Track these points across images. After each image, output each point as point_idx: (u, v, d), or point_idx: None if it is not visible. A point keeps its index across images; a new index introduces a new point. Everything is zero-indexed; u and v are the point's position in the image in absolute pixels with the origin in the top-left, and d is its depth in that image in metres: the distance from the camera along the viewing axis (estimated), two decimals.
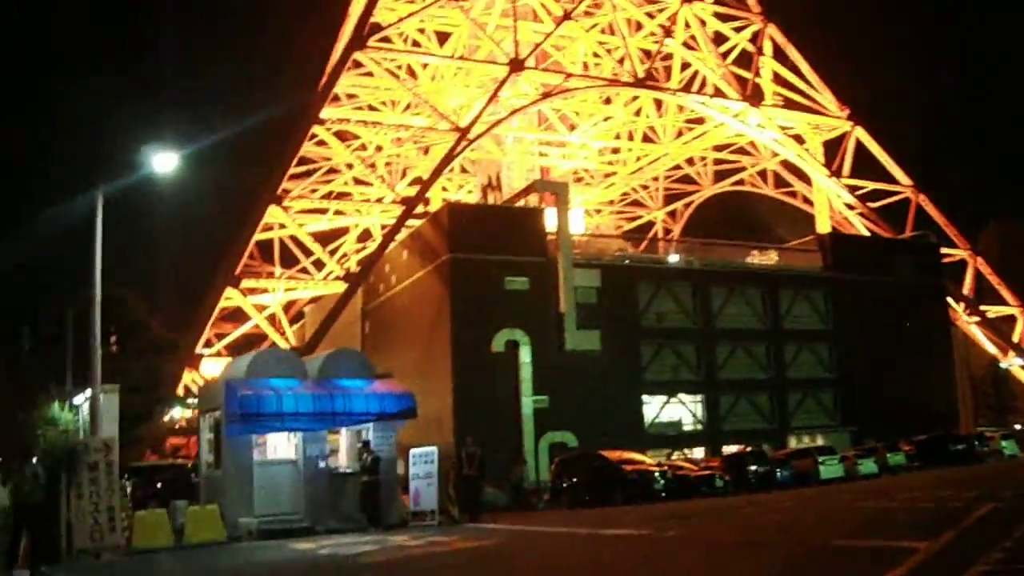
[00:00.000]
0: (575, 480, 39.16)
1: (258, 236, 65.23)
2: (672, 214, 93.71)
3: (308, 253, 66.13)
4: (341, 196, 74.56)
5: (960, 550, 12.66)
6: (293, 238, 65.92)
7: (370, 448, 26.53)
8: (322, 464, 26.30)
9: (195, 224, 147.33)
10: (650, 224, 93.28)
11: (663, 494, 36.26)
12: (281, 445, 26.50)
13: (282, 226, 64.93)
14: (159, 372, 48.59)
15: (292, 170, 73.56)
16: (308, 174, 76.90)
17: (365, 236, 76.83)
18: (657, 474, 36.87)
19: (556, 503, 40.15)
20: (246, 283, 59.81)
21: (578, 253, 60.89)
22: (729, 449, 61.93)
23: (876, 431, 60.83)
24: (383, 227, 66.37)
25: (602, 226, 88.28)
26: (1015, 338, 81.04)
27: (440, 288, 57.35)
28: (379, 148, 75.39)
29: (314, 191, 73.15)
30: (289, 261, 68.04)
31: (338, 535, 24.27)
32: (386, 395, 27.15)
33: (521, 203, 62.51)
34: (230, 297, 58.27)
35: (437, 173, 64.48)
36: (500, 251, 56.57)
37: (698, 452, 61.69)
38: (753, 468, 45.18)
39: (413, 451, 29.56)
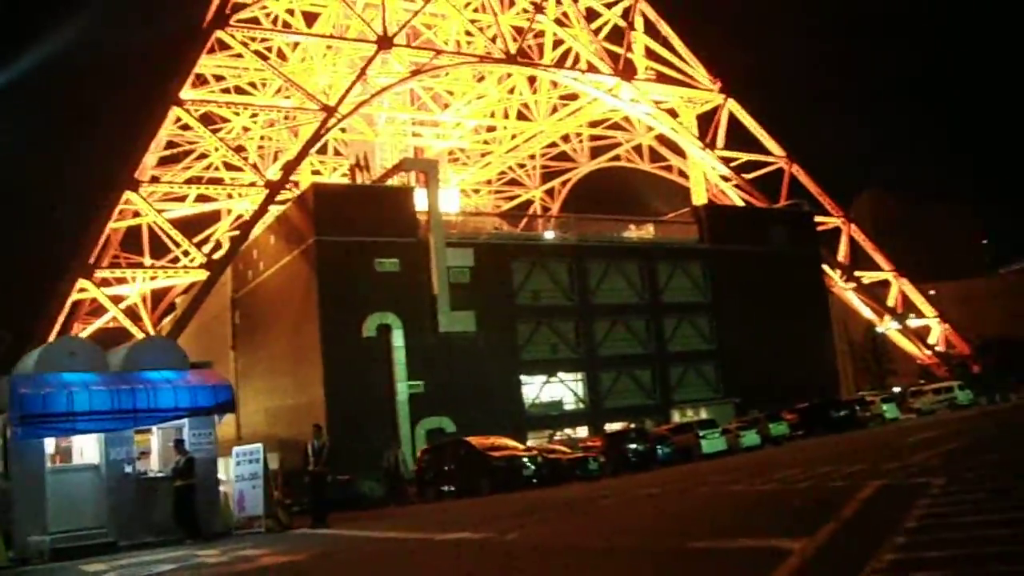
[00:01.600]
0: (443, 469, 36.03)
1: (119, 224, 60.96)
2: (550, 192, 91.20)
3: (175, 242, 61.88)
4: (214, 182, 70.35)
5: (842, 549, 9.92)
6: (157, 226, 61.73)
7: (183, 448, 22.92)
8: (128, 469, 22.47)
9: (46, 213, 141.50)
10: (528, 203, 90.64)
11: (534, 480, 33.43)
12: (88, 448, 22.79)
13: (126, 214, 60.48)
14: None
15: (160, 154, 69.63)
16: (177, 159, 72.87)
17: (240, 223, 72.71)
18: (526, 460, 33.89)
19: (423, 495, 37.05)
20: (101, 273, 55.27)
21: (453, 234, 57.95)
22: (613, 427, 59.72)
23: (759, 401, 59.26)
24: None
25: (480, 206, 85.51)
26: (890, 302, 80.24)
27: (307, 273, 53.91)
28: (246, 130, 71.36)
29: (188, 178, 68.93)
30: (159, 250, 63.80)
31: (145, 550, 20.81)
32: (199, 387, 23.37)
33: (394, 183, 59.29)
34: (85, 288, 53.84)
35: (303, 154, 61.01)
36: (369, 232, 53.24)
37: (581, 432, 59.30)
38: (632, 447, 42.50)
39: (236, 449, 26.06)
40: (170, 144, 69.60)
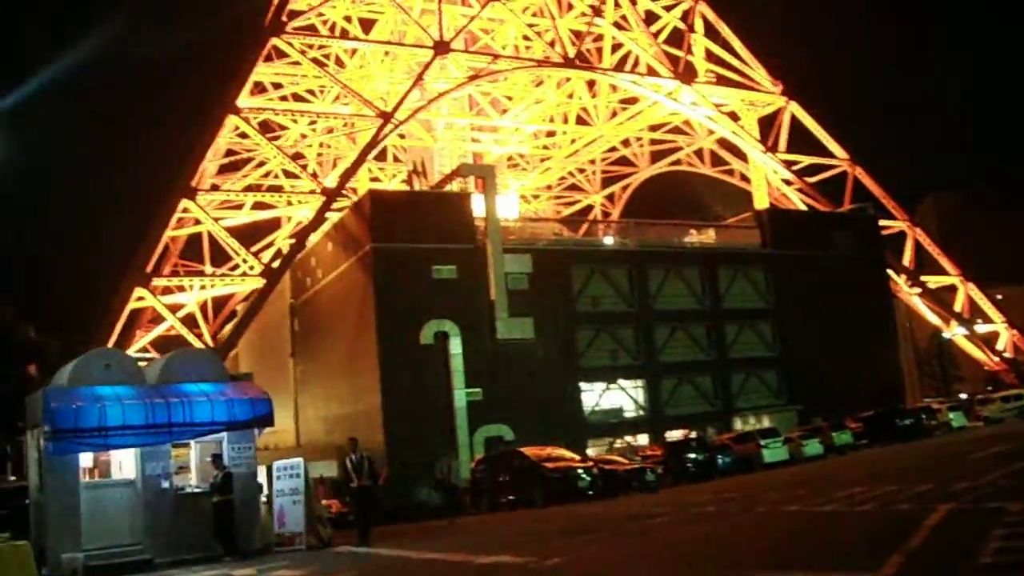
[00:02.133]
0: (498, 479, 35.02)
1: (177, 232, 60.72)
2: (610, 197, 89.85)
3: (233, 250, 61.40)
4: (273, 189, 69.87)
5: None
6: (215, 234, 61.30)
7: (221, 463, 22.06)
8: (165, 484, 21.66)
9: (105, 221, 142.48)
10: (589, 208, 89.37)
11: (590, 492, 32.33)
12: (127, 463, 22.02)
13: (183, 222, 60.05)
14: (28, 381, 43.33)
15: (220, 162, 69.50)
16: (237, 166, 72.62)
17: (298, 231, 72.29)
18: (581, 472, 32.79)
19: (477, 505, 36.08)
20: (159, 282, 54.83)
21: (512, 239, 57.13)
22: (673, 435, 58.43)
23: (823, 408, 57.72)
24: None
25: (540, 212, 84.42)
26: (956, 307, 78.02)
27: (364, 280, 53.30)
28: (304, 137, 70.94)
29: (247, 186, 68.57)
30: (218, 258, 63.46)
31: (181, 568, 20.05)
32: (236, 401, 22.44)
33: (452, 189, 58.55)
34: (142, 297, 53.47)
35: (360, 161, 60.24)
36: (426, 239, 52.56)
37: (642, 439, 58.18)
38: (692, 456, 41.29)
39: (276, 464, 25.09)
40: (229, 152, 69.32)
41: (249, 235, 69.73)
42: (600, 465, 35.22)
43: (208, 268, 62.24)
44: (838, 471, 27.68)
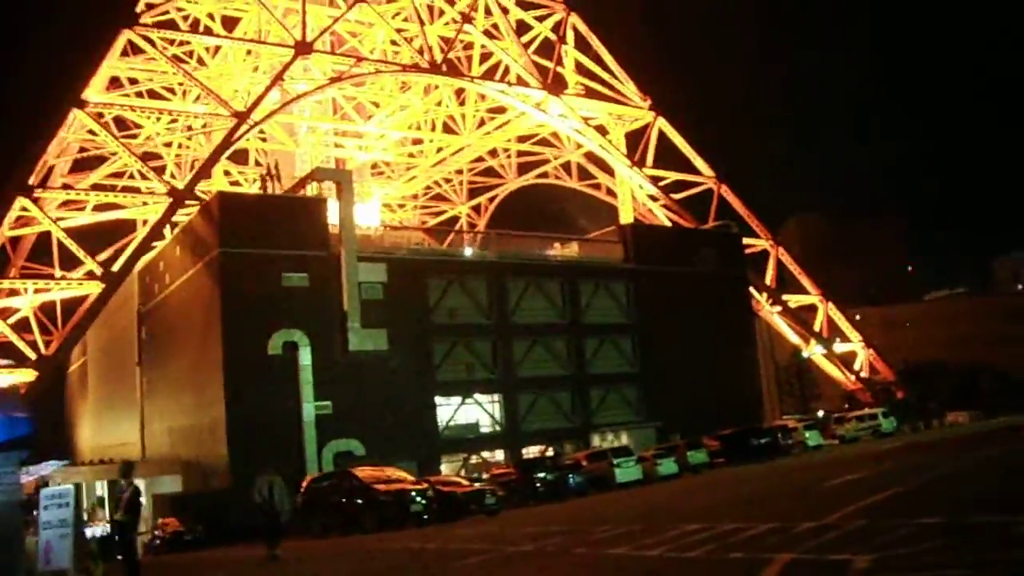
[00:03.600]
0: (329, 501, 32.40)
1: (17, 232, 56.96)
2: (477, 208, 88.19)
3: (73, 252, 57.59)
4: (127, 190, 65.98)
5: None
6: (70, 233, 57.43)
7: None
8: None
9: None
10: (455, 219, 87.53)
11: (425, 517, 30.03)
12: None
13: (22, 222, 56.20)
14: None
15: (70, 159, 65.59)
16: (93, 166, 68.53)
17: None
18: (415, 495, 30.40)
19: (309, 529, 33.45)
20: None
21: (371, 249, 54.76)
22: (530, 451, 56.85)
23: (682, 426, 56.99)
24: (174, 224, 58.16)
25: (405, 221, 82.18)
26: (816, 327, 78.12)
27: (211, 286, 50.36)
28: (156, 136, 67.38)
29: (93, 184, 64.56)
30: (69, 262, 59.41)
31: None
32: None
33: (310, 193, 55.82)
34: None
35: (212, 161, 57.20)
36: (277, 245, 49.87)
37: (499, 455, 56.31)
38: (542, 476, 39.34)
39: (44, 491, 22.13)
40: (83, 150, 65.49)
41: (105, 238, 66.17)
42: (438, 487, 32.90)
43: (58, 272, 58.36)
44: (682, 498, 25.91)
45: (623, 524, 18.10)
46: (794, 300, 77.78)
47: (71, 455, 78.53)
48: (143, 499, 20.54)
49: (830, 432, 60.97)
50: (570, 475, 40.51)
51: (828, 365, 79.05)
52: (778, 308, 76.16)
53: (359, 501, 30.68)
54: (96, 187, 62.22)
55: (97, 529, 46.27)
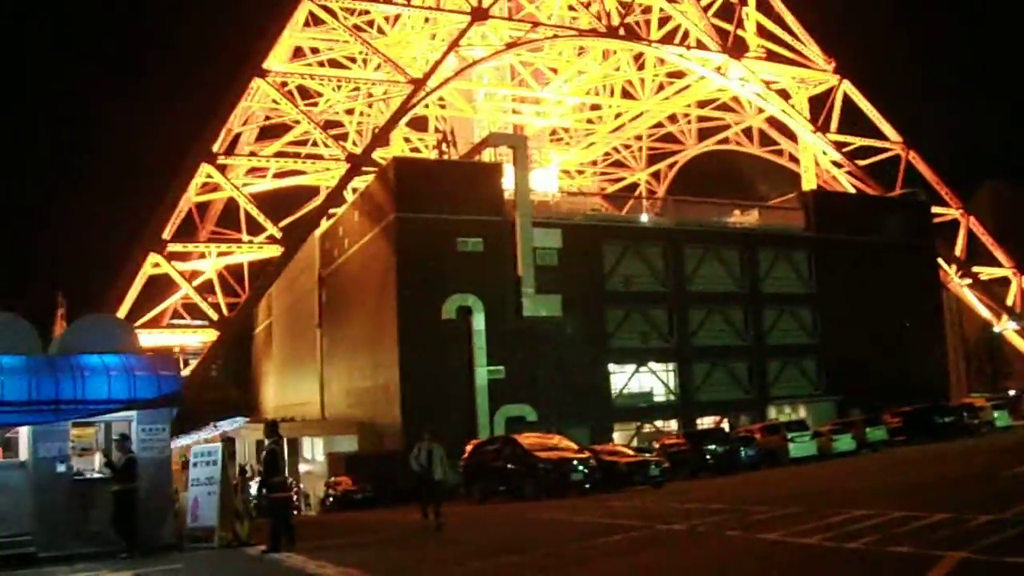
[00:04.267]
0: (491, 468, 32.11)
1: (203, 198, 58.67)
2: (656, 175, 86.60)
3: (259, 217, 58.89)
4: (311, 157, 67.14)
5: None
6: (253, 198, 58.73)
7: (127, 445, 19.09)
8: (60, 468, 18.68)
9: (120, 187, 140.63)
10: (634, 186, 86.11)
11: (586, 486, 29.43)
12: (25, 443, 19.17)
13: (208, 187, 57.63)
14: None
15: (256, 127, 67.27)
16: (278, 134, 70.01)
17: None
18: (576, 464, 29.79)
19: (470, 495, 33.31)
20: (173, 248, 52.14)
21: (547, 215, 54.26)
22: (704, 421, 55.69)
23: (862, 401, 54.83)
24: (355, 190, 58.97)
25: (583, 188, 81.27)
26: (1009, 301, 73.94)
27: (387, 251, 50.84)
28: (335, 104, 68.15)
29: (277, 152, 65.88)
30: (253, 227, 60.85)
31: (63, 565, 17.27)
32: (140, 376, 19.30)
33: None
34: (158, 264, 51.02)
35: (389, 127, 57.52)
36: (453, 210, 49.90)
37: (672, 425, 55.34)
38: (712, 448, 38.18)
39: (194, 449, 21.90)
40: (268, 119, 67.01)
41: (287, 204, 67.63)
42: (601, 457, 32.19)
43: (245, 236, 59.73)
44: (854, 478, 24.42)
45: (787, 504, 17.05)
46: (985, 272, 73.67)
47: (257, 412, 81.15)
48: (283, 459, 20.16)
49: (1022, 412, 57.44)
50: (742, 448, 39.20)
51: (1021, 342, 74.87)
52: (968, 281, 72.38)
53: (520, 468, 30.26)
54: (279, 154, 63.42)
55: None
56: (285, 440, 22.83)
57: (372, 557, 16.31)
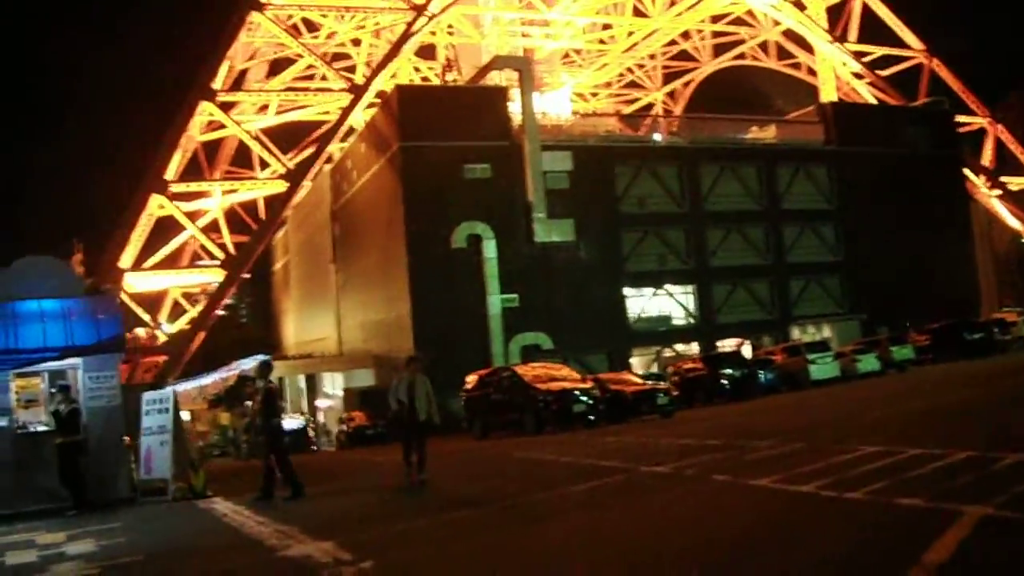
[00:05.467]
0: (491, 400, 30.60)
1: (208, 136, 57.18)
2: (672, 95, 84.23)
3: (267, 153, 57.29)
4: (323, 91, 65.25)
5: None
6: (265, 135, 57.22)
7: (69, 395, 17.56)
8: (3, 422, 17.34)
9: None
10: (650, 108, 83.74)
11: (591, 418, 27.94)
12: None
13: (213, 126, 56.06)
14: None
15: (263, 63, 65.54)
16: (282, 69, 68.33)
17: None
18: (579, 395, 28.33)
19: (471, 428, 31.91)
20: (176, 188, 50.81)
21: (560, 140, 52.45)
22: (725, 344, 54.11)
23: (889, 318, 52.91)
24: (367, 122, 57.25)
25: (598, 110, 79.03)
26: None
27: (394, 181, 49.31)
28: (331, 35, 65.80)
29: (282, 87, 64.16)
30: (265, 166, 59.37)
31: (5, 525, 15.93)
32: (78, 321, 17.56)
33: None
34: (163, 205, 49.73)
35: (391, 55, 55.73)
36: (458, 136, 48.20)
37: (694, 348, 53.77)
38: (728, 373, 36.52)
39: (145, 395, 20.22)
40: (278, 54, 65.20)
41: (298, 140, 66.10)
42: (607, 387, 30.67)
43: (260, 173, 58.29)
44: (875, 403, 22.59)
45: (793, 438, 15.35)
46: (1015, 183, 71.18)
47: (279, 350, 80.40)
48: (282, 401, 18.67)
49: None
50: (760, 372, 37.54)
51: None
52: (997, 191, 69.96)
53: (520, 401, 28.75)
54: (284, 90, 61.72)
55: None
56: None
57: (319, 509, 14.85)
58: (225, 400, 53.98)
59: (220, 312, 60.20)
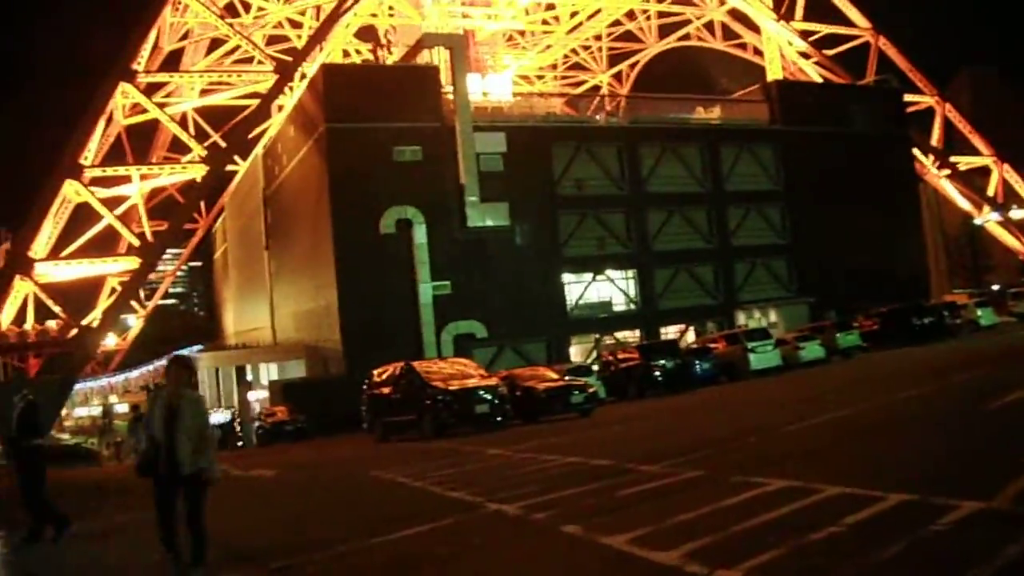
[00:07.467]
0: (391, 400, 27.27)
1: (128, 120, 53.47)
2: (619, 77, 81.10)
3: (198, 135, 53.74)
4: (249, 72, 61.51)
5: None
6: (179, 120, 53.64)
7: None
8: None
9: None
10: (596, 89, 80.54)
11: (497, 419, 24.86)
12: None
13: (139, 109, 52.34)
14: None
15: (196, 43, 61.88)
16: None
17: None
18: (483, 393, 25.24)
19: (372, 430, 28.60)
20: (92, 173, 47.15)
21: (496, 121, 49.31)
22: (669, 330, 51.29)
23: (838, 302, 50.22)
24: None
25: (541, 92, 75.75)
26: (990, 191, 69.14)
27: (321, 165, 45.97)
28: (261, 11, 61.97)
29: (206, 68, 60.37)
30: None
31: None
32: None
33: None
34: (79, 192, 46.12)
35: (321, 34, 52.24)
36: (387, 118, 44.97)
37: (636, 335, 50.85)
38: (661, 364, 33.45)
39: None
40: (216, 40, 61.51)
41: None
42: (518, 383, 27.54)
43: (197, 152, 54.63)
44: (805, 405, 19.38)
45: (696, 459, 12.28)
46: (964, 162, 68.79)
47: (222, 339, 77.36)
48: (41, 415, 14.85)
49: (1006, 308, 52.29)
50: (696, 362, 34.56)
51: (1004, 234, 70.20)
52: (946, 171, 67.54)
53: (417, 401, 25.51)
54: (210, 70, 58.07)
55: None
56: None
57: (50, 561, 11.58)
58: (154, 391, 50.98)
59: (162, 301, 57.21)
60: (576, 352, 49.07)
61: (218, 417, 47.51)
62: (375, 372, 29.30)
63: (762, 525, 7.76)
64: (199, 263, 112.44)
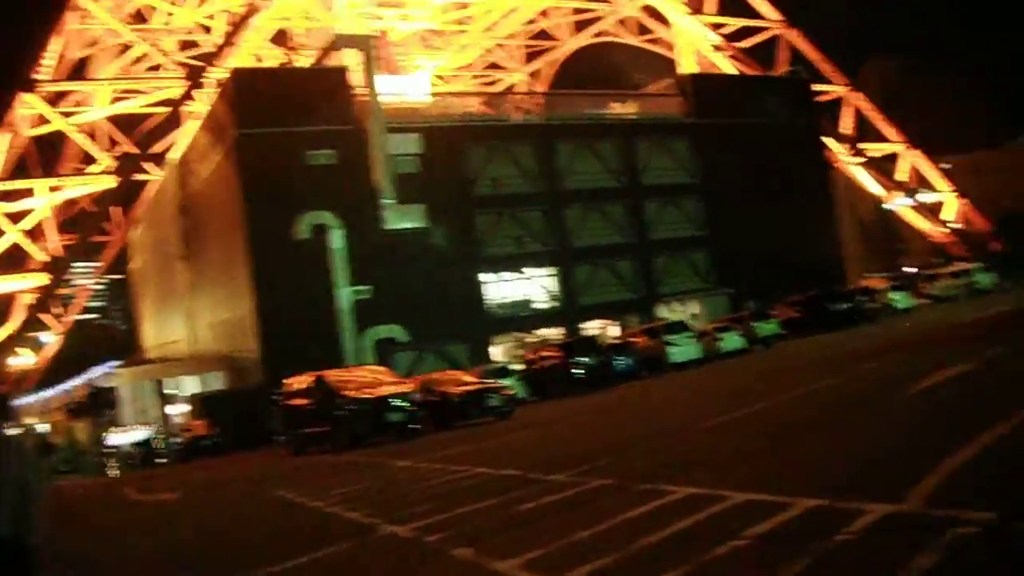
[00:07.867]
0: (304, 412, 26.43)
1: (33, 131, 51.88)
2: (536, 75, 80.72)
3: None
4: (157, 79, 60.00)
5: None
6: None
7: None
8: None
9: None
10: (513, 88, 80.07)
11: (411, 426, 24.08)
12: None
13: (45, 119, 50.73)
14: None
15: (106, 51, 60.24)
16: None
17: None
18: (393, 401, 24.37)
19: (288, 444, 27.71)
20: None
21: (417, 122, 48.59)
22: (590, 326, 50.98)
23: (756, 291, 50.49)
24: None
25: (456, 92, 75.04)
26: (900, 177, 69.97)
27: (233, 171, 44.87)
28: (169, 17, 60.75)
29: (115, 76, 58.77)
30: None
31: None
32: None
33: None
34: None
35: (228, 40, 51.42)
36: (299, 122, 44.10)
37: (558, 332, 50.42)
38: (581, 361, 32.97)
39: None
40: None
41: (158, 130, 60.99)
42: (433, 388, 26.86)
43: (104, 162, 53.07)
44: (718, 399, 19.08)
45: (605, 466, 11.71)
46: (875, 149, 69.62)
47: (141, 352, 75.47)
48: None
49: (920, 291, 52.85)
50: (615, 358, 34.19)
51: (916, 217, 71.08)
52: (858, 159, 68.26)
53: (327, 410, 24.62)
54: (119, 78, 56.56)
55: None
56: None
57: None
58: (80, 410, 49.74)
59: (82, 316, 55.47)
60: (499, 352, 48.59)
61: (137, 435, 46.28)
62: (287, 382, 28.40)
63: (665, 540, 7.25)
64: (121, 275, 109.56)
